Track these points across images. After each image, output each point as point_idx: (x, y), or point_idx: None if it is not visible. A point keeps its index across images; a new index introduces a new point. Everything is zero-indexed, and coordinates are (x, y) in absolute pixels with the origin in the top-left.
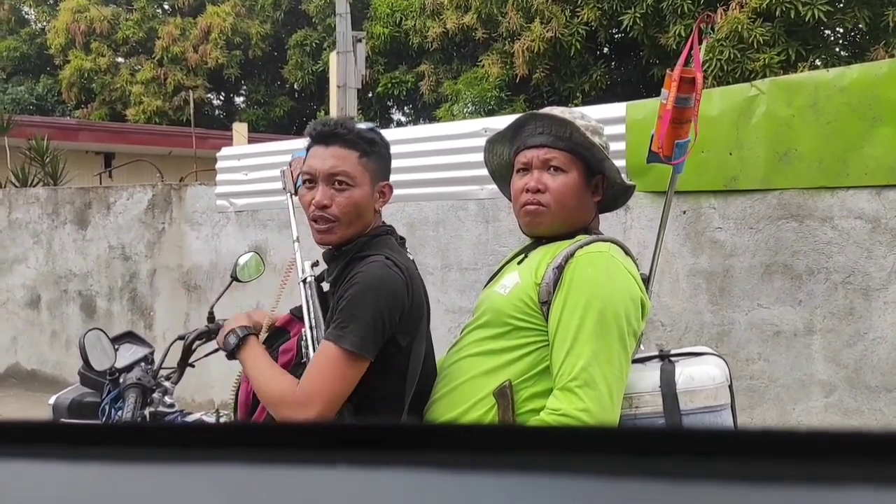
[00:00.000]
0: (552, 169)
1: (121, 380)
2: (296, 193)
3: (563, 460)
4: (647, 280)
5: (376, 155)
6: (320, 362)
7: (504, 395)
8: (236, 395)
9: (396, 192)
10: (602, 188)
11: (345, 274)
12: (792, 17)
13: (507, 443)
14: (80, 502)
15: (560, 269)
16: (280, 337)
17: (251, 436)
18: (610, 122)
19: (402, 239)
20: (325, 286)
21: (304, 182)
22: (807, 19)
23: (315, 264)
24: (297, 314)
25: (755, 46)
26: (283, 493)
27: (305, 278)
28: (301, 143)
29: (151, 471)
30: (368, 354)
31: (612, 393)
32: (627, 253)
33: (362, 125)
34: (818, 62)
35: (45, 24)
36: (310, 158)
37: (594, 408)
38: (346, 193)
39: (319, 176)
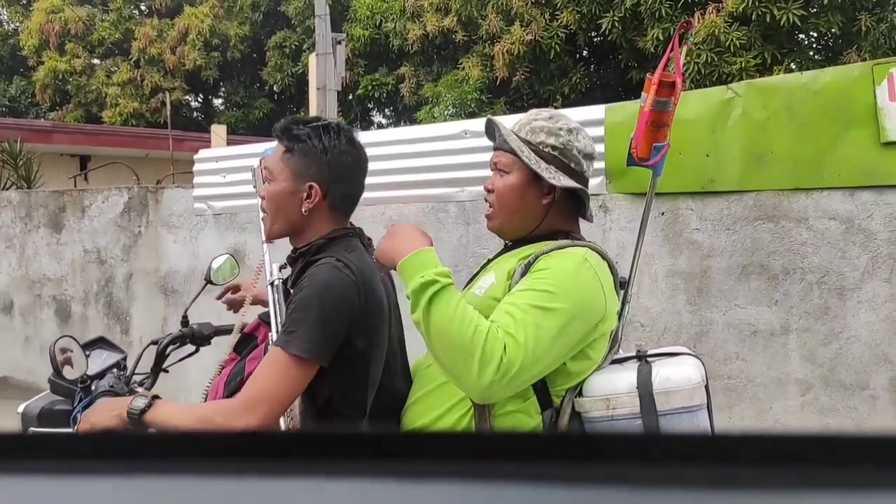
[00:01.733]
0: (498, 170)
1: (93, 387)
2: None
3: (525, 468)
4: (625, 284)
5: (300, 152)
6: (267, 367)
7: None
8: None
9: (378, 193)
10: (555, 191)
11: (300, 277)
12: (767, 21)
13: (477, 450)
14: None
15: (529, 265)
16: (248, 344)
17: (216, 445)
18: (588, 124)
19: (370, 239)
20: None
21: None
22: (782, 23)
23: (283, 267)
24: (265, 319)
25: (732, 50)
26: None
27: (273, 281)
28: (278, 145)
29: (109, 484)
30: (319, 358)
31: (528, 365)
32: (605, 258)
33: (323, 121)
34: (793, 66)
35: (17, 24)
36: None
37: (516, 362)
38: (268, 187)
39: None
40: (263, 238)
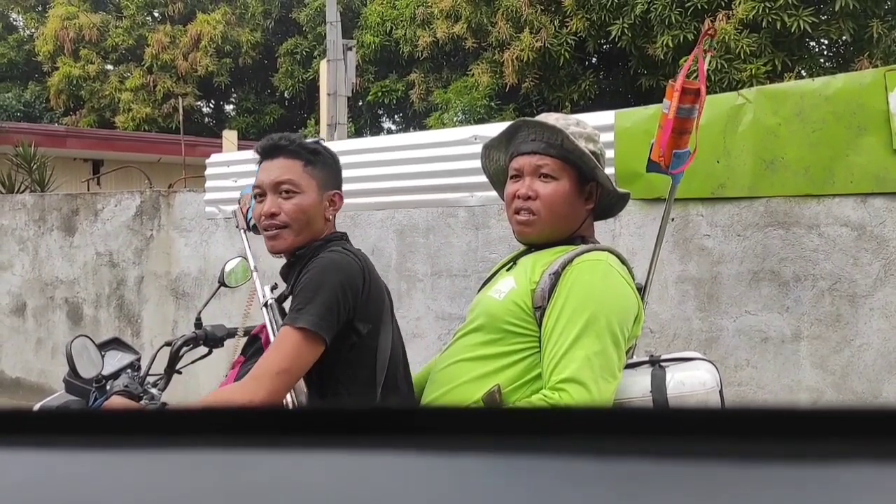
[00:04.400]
0: (543, 176)
1: (107, 387)
2: (249, 229)
3: (547, 442)
4: (641, 289)
5: (321, 164)
6: (273, 345)
7: (493, 399)
8: None
9: (388, 198)
10: (595, 196)
11: (300, 277)
12: (778, 28)
13: (493, 425)
14: (53, 488)
15: (557, 276)
16: (253, 345)
17: (236, 421)
18: (598, 129)
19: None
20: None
21: (255, 198)
22: (792, 30)
23: (274, 287)
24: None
25: (742, 57)
26: (268, 477)
27: (266, 302)
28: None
29: (131, 457)
30: (323, 333)
31: (603, 398)
32: (624, 262)
33: (307, 140)
34: (804, 73)
35: (33, 30)
36: (258, 174)
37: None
38: (294, 200)
39: (267, 187)
40: (252, 266)
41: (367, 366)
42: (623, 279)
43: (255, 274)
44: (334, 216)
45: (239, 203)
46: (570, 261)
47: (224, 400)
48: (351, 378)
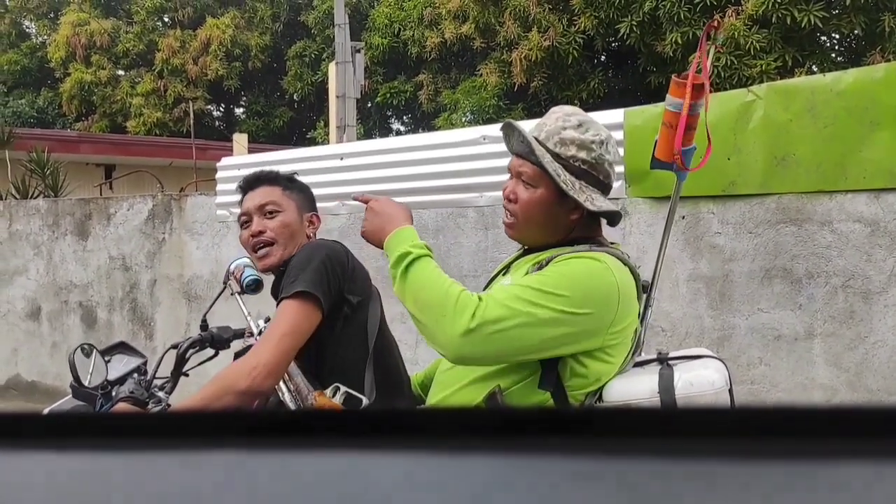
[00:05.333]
0: (523, 181)
1: (113, 393)
2: (242, 292)
3: (550, 442)
4: (648, 287)
5: (297, 189)
6: (275, 316)
7: (494, 400)
8: None
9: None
10: (583, 207)
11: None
12: (788, 23)
13: (493, 425)
14: (65, 491)
15: (542, 267)
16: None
17: (245, 423)
18: (608, 128)
19: None
20: None
21: (241, 226)
22: (803, 25)
23: (267, 320)
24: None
25: (752, 53)
26: (275, 479)
27: (261, 330)
28: (297, 153)
29: (137, 460)
30: (318, 293)
31: (509, 328)
32: (626, 263)
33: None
34: (815, 68)
35: (45, 37)
36: (243, 204)
37: (494, 318)
38: (277, 219)
39: (253, 212)
40: (246, 312)
41: (360, 341)
42: (612, 279)
43: (249, 318)
44: (315, 235)
45: (232, 271)
46: (559, 255)
47: (233, 372)
48: (348, 351)
